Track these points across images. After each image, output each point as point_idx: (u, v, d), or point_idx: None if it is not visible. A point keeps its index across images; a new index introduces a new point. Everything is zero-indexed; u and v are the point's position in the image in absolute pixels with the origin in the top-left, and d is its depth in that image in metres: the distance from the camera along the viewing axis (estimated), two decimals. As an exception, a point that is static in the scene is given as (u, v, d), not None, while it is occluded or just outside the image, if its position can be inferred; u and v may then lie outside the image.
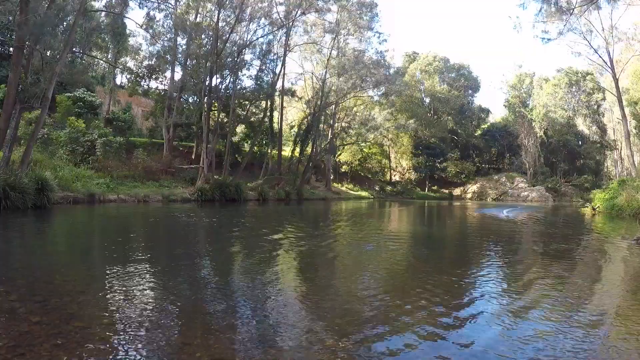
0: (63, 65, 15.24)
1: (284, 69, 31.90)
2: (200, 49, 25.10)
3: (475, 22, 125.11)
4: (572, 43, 25.71)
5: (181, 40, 26.74)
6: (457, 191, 50.78)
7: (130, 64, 28.86)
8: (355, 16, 32.52)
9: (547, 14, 20.35)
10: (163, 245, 7.28)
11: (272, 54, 30.23)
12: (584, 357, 2.78)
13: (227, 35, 24.73)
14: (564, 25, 21.41)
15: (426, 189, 49.29)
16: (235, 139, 32.99)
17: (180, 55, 26.56)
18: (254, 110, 32.14)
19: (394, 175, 54.58)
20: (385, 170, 54.13)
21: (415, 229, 12.80)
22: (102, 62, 28.66)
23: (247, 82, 38.51)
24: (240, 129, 35.20)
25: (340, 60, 32.86)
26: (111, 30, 18.39)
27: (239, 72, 27.81)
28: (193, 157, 27.86)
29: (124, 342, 2.79)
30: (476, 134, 58.19)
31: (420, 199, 40.14)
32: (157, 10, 22.19)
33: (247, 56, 28.37)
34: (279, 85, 31.96)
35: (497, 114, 64.11)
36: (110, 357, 2.57)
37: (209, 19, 25.95)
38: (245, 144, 34.08)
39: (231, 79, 27.20)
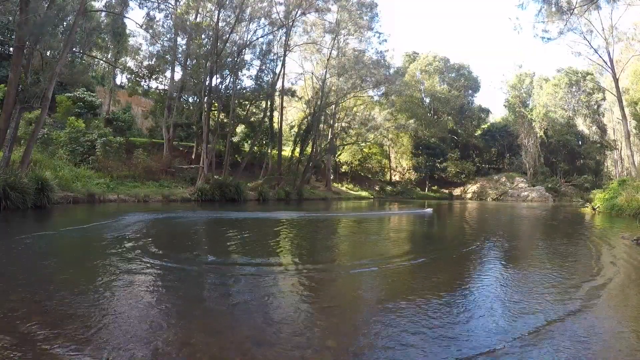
0: (63, 65, 15.23)
1: (284, 69, 31.94)
2: (200, 49, 25.08)
3: (475, 22, 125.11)
4: (572, 43, 25.75)
5: (181, 40, 26.75)
6: (457, 191, 50.73)
7: (130, 64, 28.83)
8: (355, 16, 32.50)
9: (547, 13, 20.37)
10: (163, 245, 7.27)
11: (272, 54, 30.25)
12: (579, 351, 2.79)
13: (227, 35, 24.72)
14: (564, 25, 21.44)
15: (426, 189, 49.23)
16: (235, 139, 32.96)
17: (180, 55, 26.55)
18: (254, 110, 32.13)
19: (394, 175, 54.52)
20: (385, 170, 54.08)
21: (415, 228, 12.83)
22: (102, 62, 28.63)
23: (247, 82, 38.55)
24: (240, 129, 35.17)
25: (340, 60, 32.84)
26: (111, 30, 18.37)
27: (239, 72, 27.82)
28: (193, 157, 27.85)
29: (124, 342, 2.79)
30: (476, 134, 58.12)
31: (420, 199, 40.12)
32: (157, 10, 22.18)
33: (247, 56, 28.45)
34: (279, 85, 31.97)
35: (497, 114, 64.13)
36: (111, 358, 2.57)
37: (209, 19, 25.93)
38: (245, 144, 34.06)
39: (231, 79, 27.21)
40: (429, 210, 19.25)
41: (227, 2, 24.35)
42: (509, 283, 5.05)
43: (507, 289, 4.71)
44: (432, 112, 54.15)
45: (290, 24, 29.94)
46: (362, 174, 49.42)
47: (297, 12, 29.47)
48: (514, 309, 3.84)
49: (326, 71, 33.18)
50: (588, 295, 4.36)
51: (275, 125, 34.68)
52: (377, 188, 46.08)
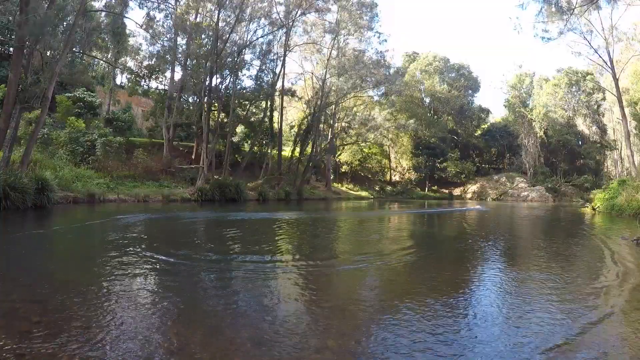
0: (63, 65, 15.23)
1: (284, 69, 31.93)
2: (200, 49, 25.09)
3: (476, 22, 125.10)
4: (572, 43, 25.71)
5: (181, 40, 26.76)
6: (457, 191, 50.70)
7: (130, 64, 28.84)
8: (355, 16, 32.49)
9: (547, 13, 20.35)
10: (163, 244, 7.28)
11: (272, 54, 30.26)
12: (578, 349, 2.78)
13: (227, 35, 24.73)
14: (564, 25, 21.41)
15: (426, 189, 49.20)
16: (235, 139, 32.97)
17: (180, 55, 26.55)
18: (254, 110, 32.13)
19: (394, 175, 54.50)
20: (385, 170, 54.05)
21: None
22: (102, 62, 28.63)
23: (247, 82, 38.61)
24: (240, 129, 35.18)
25: (340, 60, 32.82)
26: (111, 30, 18.37)
27: (239, 72, 27.86)
28: (193, 157, 27.86)
29: (125, 342, 2.79)
30: (476, 134, 58.07)
31: (420, 199, 40.14)
32: (157, 10, 22.20)
33: (247, 56, 28.46)
34: (279, 85, 31.96)
35: (497, 114, 64.12)
36: (111, 357, 2.57)
37: (209, 19, 25.94)
38: (245, 144, 34.07)
39: (231, 79, 27.23)
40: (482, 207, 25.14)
41: (227, 2, 24.36)
42: (513, 285, 5.05)
43: (511, 291, 4.71)
44: (432, 112, 54.12)
45: (290, 24, 29.95)
46: (362, 174, 49.41)
47: (297, 12, 29.48)
48: (520, 315, 3.84)
49: (326, 71, 33.18)
50: (596, 300, 4.34)
51: (275, 125, 34.68)
52: (377, 188, 46.05)
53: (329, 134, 37.53)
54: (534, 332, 3.19)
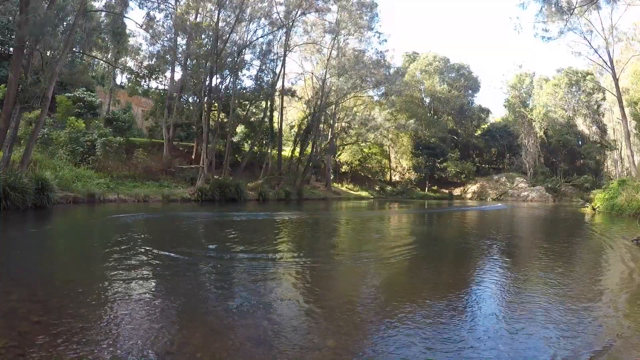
0: (63, 65, 15.23)
1: (284, 69, 31.92)
2: (200, 49, 25.08)
3: (476, 22, 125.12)
4: (572, 43, 25.74)
5: (181, 40, 26.76)
6: (457, 191, 50.69)
7: (130, 64, 28.84)
8: (355, 16, 32.46)
9: (547, 13, 20.34)
10: (162, 243, 7.27)
11: (272, 54, 30.26)
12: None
13: (227, 35, 24.73)
14: (564, 25, 21.41)
15: (426, 189, 49.18)
16: (235, 139, 32.95)
17: (180, 55, 26.54)
18: (254, 110, 32.13)
19: (394, 176, 54.49)
20: (385, 170, 54.04)
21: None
22: (102, 62, 28.62)
23: (247, 82, 38.62)
24: (240, 129, 35.16)
25: (340, 60, 32.79)
26: (111, 30, 18.36)
27: (239, 72, 27.85)
28: (193, 157, 27.85)
29: (124, 342, 2.79)
30: (476, 134, 58.05)
31: (420, 199, 40.13)
32: (157, 10, 22.23)
33: (247, 56, 28.46)
34: (279, 85, 31.95)
35: (497, 114, 64.13)
36: (110, 357, 2.57)
37: (209, 19, 25.94)
38: (245, 144, 34.05)
39: (231, 79, 27.22)
40: (501, 205, 26.28)
41: (227, 2, 24.36)
42: (515, 286, 5.05)
43: (514, 293, 4.72)
44: (432, 112, 54.12)
45: (290, 24, 29.93)
46: (362, 174, 49.40)
47: (297, 12, 29.46)
48: (523, 315, 3.84)
49: (326, 71, 33.16)
50: (604, 304, 4.32)
51: (275, 125, 34.68)
52: (377, 188, 46.04)
53: (329, 134, 37.52)
54: (537, 333, 3.20)
